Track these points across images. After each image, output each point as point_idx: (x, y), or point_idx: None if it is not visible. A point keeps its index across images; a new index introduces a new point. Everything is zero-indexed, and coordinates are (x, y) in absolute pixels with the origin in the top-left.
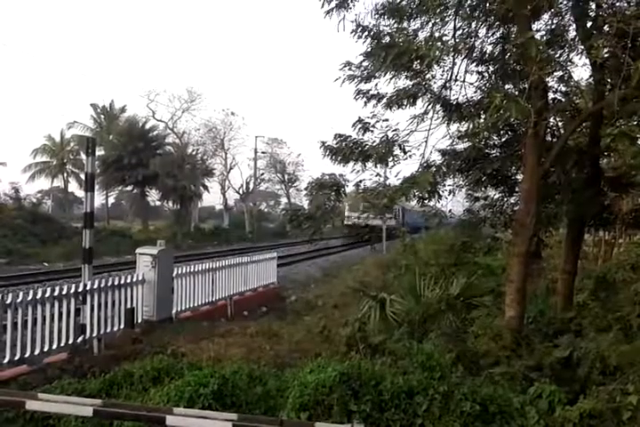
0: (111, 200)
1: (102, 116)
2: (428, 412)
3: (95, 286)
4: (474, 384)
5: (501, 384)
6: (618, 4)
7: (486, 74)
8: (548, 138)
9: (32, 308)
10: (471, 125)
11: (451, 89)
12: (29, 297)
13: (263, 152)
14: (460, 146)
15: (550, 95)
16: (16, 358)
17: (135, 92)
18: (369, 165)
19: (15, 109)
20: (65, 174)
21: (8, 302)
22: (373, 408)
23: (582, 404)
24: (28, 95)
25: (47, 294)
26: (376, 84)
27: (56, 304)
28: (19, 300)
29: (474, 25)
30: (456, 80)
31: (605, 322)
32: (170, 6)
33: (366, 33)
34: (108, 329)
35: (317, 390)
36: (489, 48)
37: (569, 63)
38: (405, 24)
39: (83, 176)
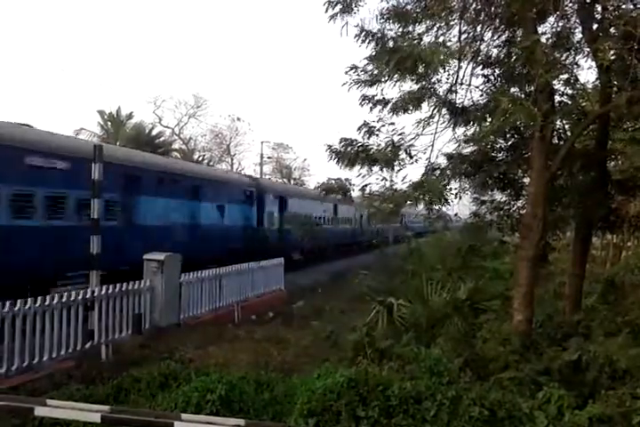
0: None
1: (109, 123)
2: (437, 417)
3: (103, 292)
4: (482, 389)
5: (510, 389)
6: (624, 6)
7: (492, 77)
8: (555, 141)
9: (40, 315)
10: (477, 129)
11: (456, 93)
12: (37, 304)
13: (269, 157)
14: (467, 149)
15: (556, 98)
16: (24, 364)
17: (142, 98)
18: (375, 169)
19: (23, 116)
20: None
21: (17, 308)
22: (381, 414)
23: (591, 408)
24: (36, 102)
25: (55, 301)
26: (382, 89)
27: (64, 311)
28: (27, 307)
29: (479, 28)
30: (461, 84)
31: (614, 326)
32: (176, 12)
33: (370, 37)
34: (116, 335)
35: (325, 396)
36: (494, 51)
37: (575, 66)
38: (410, 28)
39: None
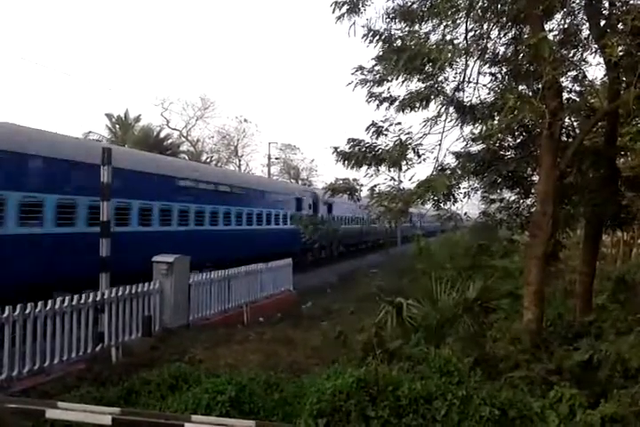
0: None
1: (117, 126)
2: (447, 417)
3: (113, 295)
4: (493, 389)
5: (521, 388)
6: (632, 1)
7: (499, 75)
8: (564, 138)
9: (51, 317)
10: (485, 127)
11: (464, 91)
12: (48, 307)
13: (277, 158)
14: (475, 148)
15: (565, 95)
16: (35, 367)
17: (149, 101)
18: (382, 169)
19: (29, 121)
20: None
21: (27, 311)
22: (391, 414)
23: (604, 408)
24: (43, 105)
25: (65, 304)
26: (388, 88)
27: (74, 314)
28: (38, 310)
29: (486, 26)
30: (469, 82)
31: (626, 324)
32: (183, 15)
33: (378, 37)
34: (126, 337)
35: (335, 397)
36: (501, 49)
37: (583, 62)
38: (417, 27)
39: None
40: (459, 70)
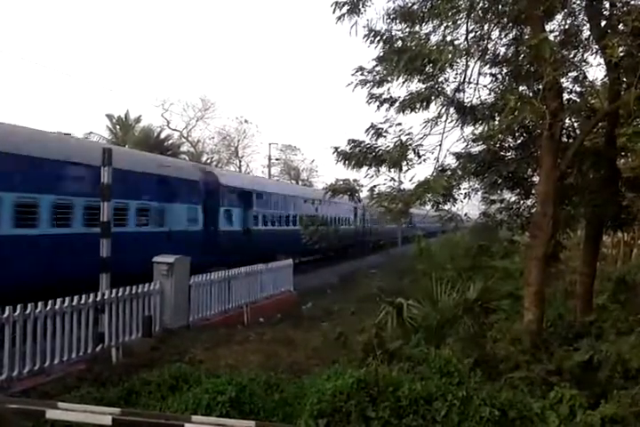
0: None
1: (118, 127)
2: (447, 418)
3: (113, 295)
4: (493, 389)
5: (521, 389)
6: (632, 2)
7: (500, 76)
8: (564, 139)
9: (51, 318)
10: (486, 128)
11: (464, 92)
12: (48, 307)
13: (277, 159)
14: (475, 149)
15: (565, 96)
16: (36, 367)
17: (150, 102)
18: (383, 169)
19: (30, 122)
20: None
21: (27, 312)
22: (391, 414)
23: (604, 408)
24: (43, 107)
25: (66, 304)
26: (388, 89)
27: (74, 314)
28: (38, 310)
29: (486, 27)
30: (469, 83)
31: (626, 325)
32: (184, 16)
33: (378, 38)
34: (126, 338)
35: (335, 397)
36: (502, 50)
37: (583, 63)
38: (417, 28)
39: None
40: (459, 71)
